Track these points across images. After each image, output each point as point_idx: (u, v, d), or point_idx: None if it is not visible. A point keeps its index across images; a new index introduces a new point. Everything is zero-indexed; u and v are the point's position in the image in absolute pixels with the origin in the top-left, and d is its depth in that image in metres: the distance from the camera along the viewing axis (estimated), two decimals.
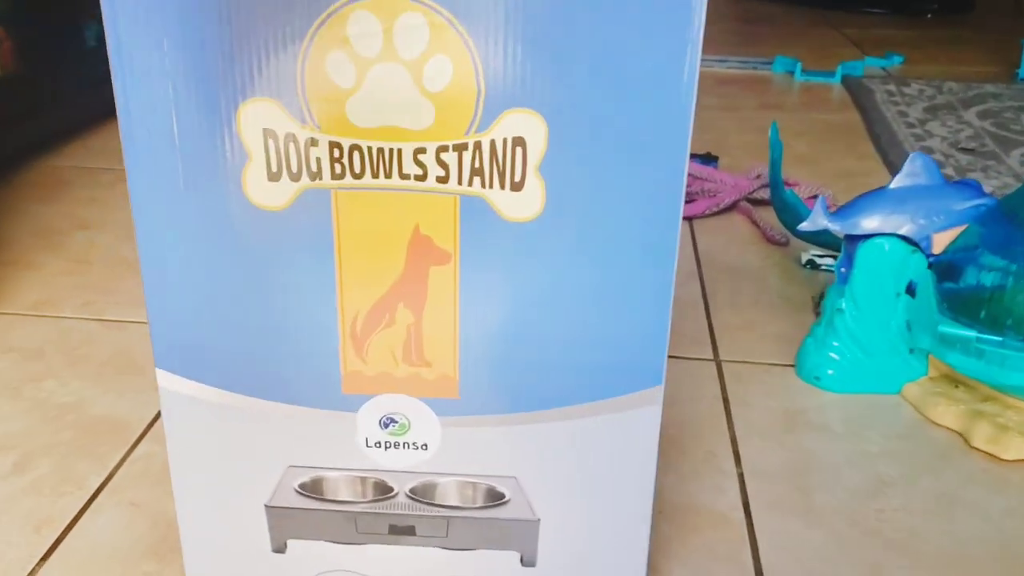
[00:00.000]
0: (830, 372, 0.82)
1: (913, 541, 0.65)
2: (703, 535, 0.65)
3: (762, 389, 0.81)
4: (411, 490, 0.48)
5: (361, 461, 0.48)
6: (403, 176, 0.42)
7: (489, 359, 0.44)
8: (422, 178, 0.42)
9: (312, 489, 0.49)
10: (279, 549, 0.51)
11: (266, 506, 0.49)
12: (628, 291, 0.43)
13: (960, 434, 0.75)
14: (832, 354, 0.82)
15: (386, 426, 0.47)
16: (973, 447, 0.74)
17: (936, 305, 0.77)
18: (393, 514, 0.49)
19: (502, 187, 0.42)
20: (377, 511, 0.50)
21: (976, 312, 0.77)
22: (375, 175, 0.42)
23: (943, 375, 0.81)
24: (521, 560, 0.50)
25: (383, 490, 0.49)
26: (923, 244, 0.80)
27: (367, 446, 0.47)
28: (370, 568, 0.51)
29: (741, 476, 0.70)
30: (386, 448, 0.47)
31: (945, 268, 0.80)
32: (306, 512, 0.50)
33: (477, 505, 0.49)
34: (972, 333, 0.76)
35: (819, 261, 1.05)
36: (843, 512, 0.68)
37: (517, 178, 0.42)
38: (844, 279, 0.83)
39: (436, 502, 0.49)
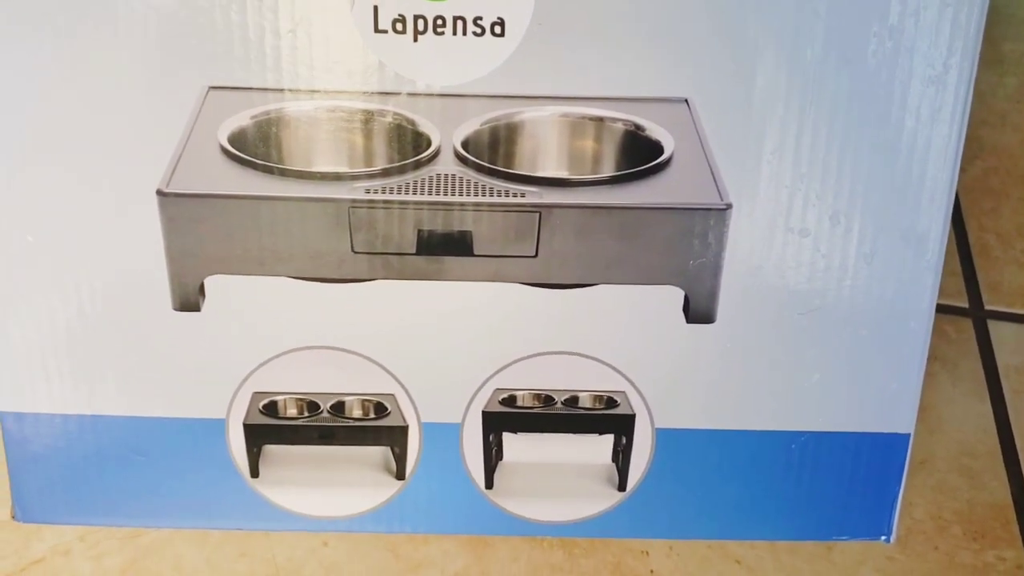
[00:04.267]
0: None
1: None
2: None
3: None
4: (467, 143, 0.21)
5: (361, 72, 0.25)
6: None
7: None
8: None
9: (259, 138, 0.23)
10: (188, 301, 0.28)
11: (161, 194, 0.27)
12: None
13: None
14: None
15: None
16: None
17: None
18: (428, 204, 0.26)
19: None
20: (395, 197, 0.26)
21: None
22: None
23: None
24: (687, 308, 0.27)
25: (408, 146, 0.23)
26: None
27: (377, 29, 0.24)
28: (382, 343, 0.28)
29: None
30: (418, 34, 0.24)
31: None
32: (244, 204, 0.26)
33: (601, 176, 0.23)
34: None
35: None
36: None
37: None
38: None
39: (519, 170, 0.22)
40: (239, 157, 0.26)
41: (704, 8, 0.24)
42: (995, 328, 0.46)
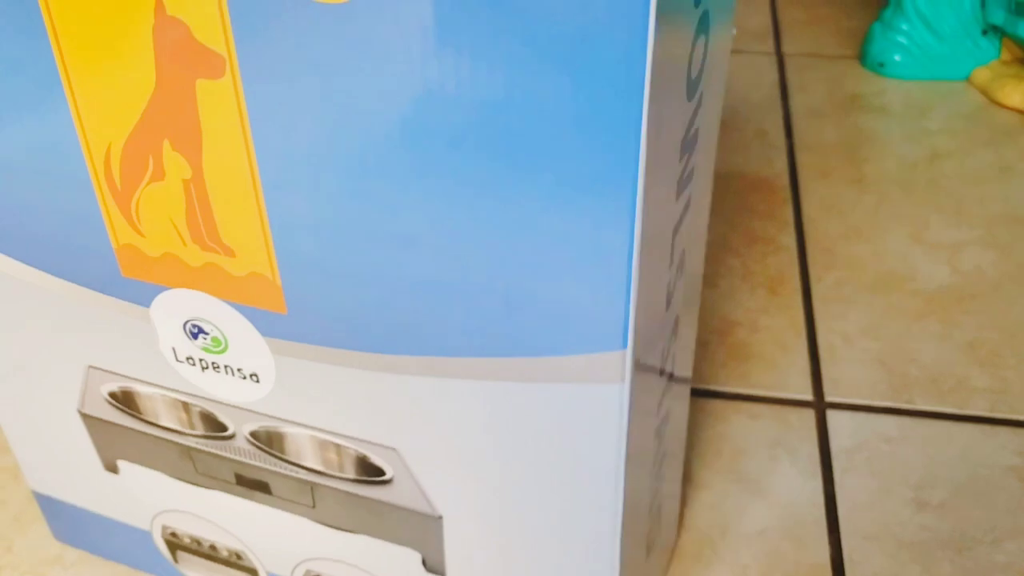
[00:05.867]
0: (896, 58, 0.80)
1: (964, 203, 0.67)
2: (744, 197, 0.67)
3: (822, 77, 0.84)
4: (252, 434, 0.29)
5: (174, 379, 0.30)
6: None
7: (323, 255, 0.27)
8: None
9: (124, 402, 0.32)
10: (110, 468, 0.35)
11: (79, 412, 0.38)
12: (544, 137, 0.23)
13: None
14: (900, 38, 0.79)
15: (195, 336, 0.28)
16: None
17: None
18: (236, 461, 0.31)
19: None
20: (214, 451, 0.31)
21: None
22: None
23: (1015, 58, 0.79)
24: (424, 564, 0.30)
25: (215, 426, 0.31)
26: None
27: (176, 360, 0.29)
28: (230, 523, 0.34)
29: (791, 149, 0.73)
30: (203, 369, 0.29)
31: None
32: (125, 431, 0.33)
33: (346, 476, 0.29)
34: None
35: None
36: (894, 180, 0.70)
37: None
38: None
39: (289, 458, 0.30)
40: (119, 407, 0.34)
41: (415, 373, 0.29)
42: (833, 417, 0.53)
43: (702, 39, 0.25)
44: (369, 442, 0.31)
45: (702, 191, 0.31)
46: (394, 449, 0.31)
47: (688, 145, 0.27)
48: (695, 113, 0.26)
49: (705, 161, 0.30)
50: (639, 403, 0.29)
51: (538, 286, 0.25)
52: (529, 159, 0.23)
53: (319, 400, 0.31)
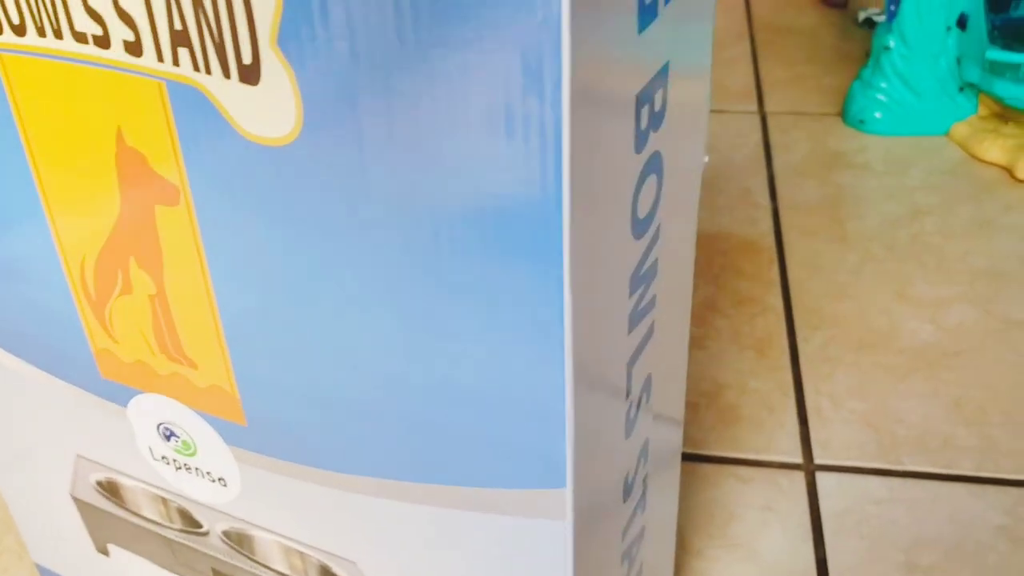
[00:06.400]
0: (876, 115, 0.80)
1: (946, 259, 0.67)
2: (730, 257, 0.67)
3: (805, 136, 0.85)
4: (224, 533, 0.29)
5: (152, 475, 0.31)
6: (77, 36, 0.22)
7: (277, 374, 0.28)
8: (103, 42, 0.22)
9: (110, 491, 0.33)
10: (101, 550, 0.36)
11: (71, 495, 0.39)
12: (481, 284, 0.23)
13: (1006, 168, 0.76)
14: (879, 96, 0.80)
15: (168, 438, 0.29)
16: (1018, 179, 0.74)
17: (987, 35, 0.74)
18: (212, 556, 0.32)
19: (225, 72, 0.21)
20: (192, 545, 0.32)
21: None
22: (40, 29, 0.22)
23: (993, 113, 0.79)
24: None
25: (191, 522, 0.31)
26: None
27: (153, 458, 0.30)
28: None
29: (775, 209, 0.72)
30: (176, 468, 0.30)
31: None
32: (112, 517, 0.34)
33: None
34: (1021, 58, 0.72)
35: (876, 19, 1.00)
36: (876, 237, 0.69)
37: (246, 57, 0.21)
38: (893, 16, 0.78)
39: (259, 560, 0.30)
40: (105, 496, 0.35)
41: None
42: (822, 479, 0.52)
43: (652, 179, 0.25)
44: (330, 553, 0.31)
45: (672, 315, 0.30)
46: (353, 562, 0.31)
47: (642, 279, 0.26)
48: (649, 248, 0.26)
49: (672, 287, 0.30)
50: (592, 536, 0.28)
51: (480, 421, 0.25)
52: (465, 297, 0.23)
53: (281, 508, 0.31)
